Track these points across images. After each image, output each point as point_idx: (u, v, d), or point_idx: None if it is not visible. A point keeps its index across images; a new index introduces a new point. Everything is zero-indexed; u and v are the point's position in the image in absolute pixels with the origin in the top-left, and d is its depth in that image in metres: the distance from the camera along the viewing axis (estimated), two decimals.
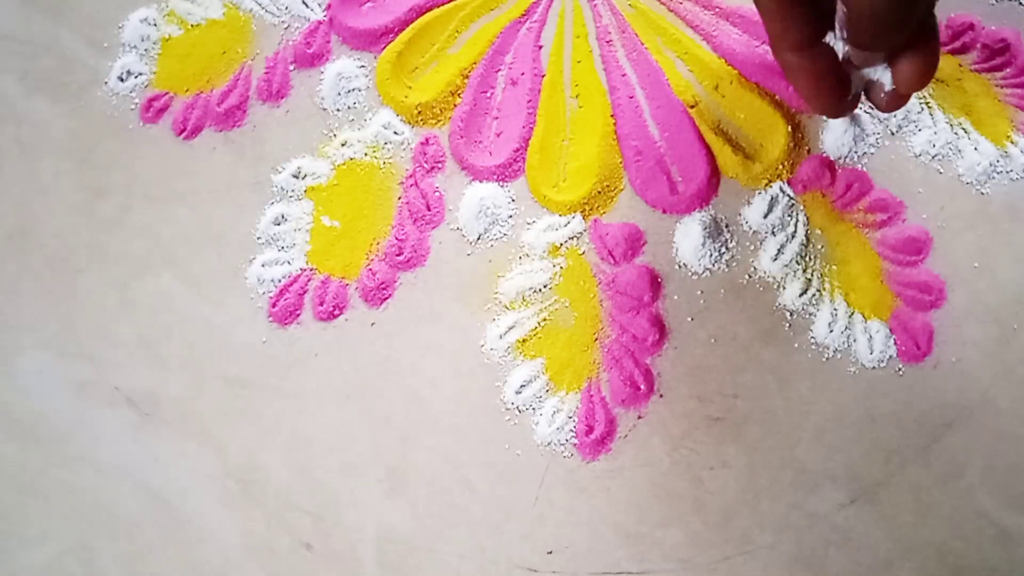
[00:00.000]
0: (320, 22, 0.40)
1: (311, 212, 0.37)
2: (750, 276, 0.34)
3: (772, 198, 0.34)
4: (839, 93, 0.28)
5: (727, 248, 0.34)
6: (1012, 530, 0.30)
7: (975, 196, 0.34)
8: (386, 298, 0.35)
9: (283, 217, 0.37)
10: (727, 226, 0.34)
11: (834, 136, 0.35)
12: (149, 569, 0.33)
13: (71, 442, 0.35)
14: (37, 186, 0.39)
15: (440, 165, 0.37)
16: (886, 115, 0.35)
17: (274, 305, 0.35)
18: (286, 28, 0.40)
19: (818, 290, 0.33)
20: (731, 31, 0.37)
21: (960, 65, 0.36)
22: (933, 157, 0.34)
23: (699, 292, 0.34)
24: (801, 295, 0.33)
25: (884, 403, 0.32)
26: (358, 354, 0.34)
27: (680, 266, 0.34)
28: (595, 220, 0.35)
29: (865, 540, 0.30)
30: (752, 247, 0.34)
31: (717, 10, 0.37)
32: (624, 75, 0.37)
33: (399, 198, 0.36)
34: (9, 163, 0.39)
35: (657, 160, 0.36)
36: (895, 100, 0.29)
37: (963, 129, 0.35)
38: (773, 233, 0.34)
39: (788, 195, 0.34)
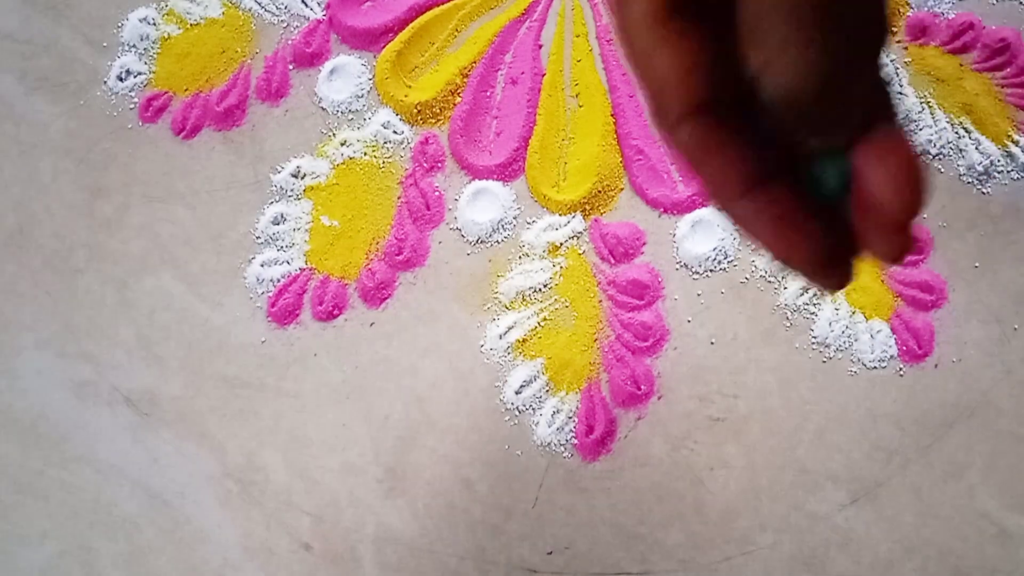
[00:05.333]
0: (319, 21, 0.40)
1: (310, 212, 0.36)
2: (750, 276, 0.34)
3: None
4: (813, 234, 0.20)
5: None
6: (1012, 530, 0.30)
7: (976, 196, 0.34)
8: (385, 298, 0.35)
9: (282, 217, 0.37)
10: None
11: None
12: (148, 569, 0.33)
13: (71, 442, 0.35)
14: (37, 186, 0.39)
15: (440, 164, 0.37)
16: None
17: (273, 305, 0.35)
18: (285, 27, 0.40)
19: (819, 290, 0.33)
20: None
21: (961, 64, 0.36)
22: (934, 156, 0.34)
23: (699, 292, 0.34)
24: (801, 295, 0.33)
25: (885, 403, 0.31)
26: (357, 354, 0.34)
27: (680, 266, 0.34)
28: (595, 220, 0.35)
29: (866, 540, 0.30)
30: (752, 247, 0.34)
31: None
32: (624, 74, 0.37)
33: (398, 198, 0.36)
34: (9, 163, 0.39)
35: (657, 160, 0.36)
36: (888, 236, 0.20)
37: (964, 128, 0.35)
38: None
39: None
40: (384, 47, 0.39)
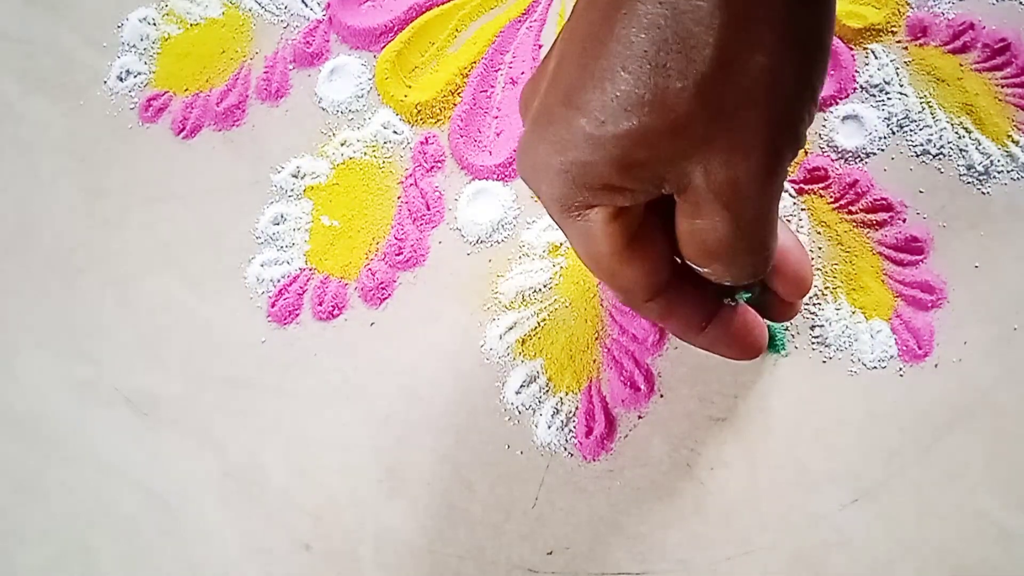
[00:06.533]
0: (319, 21, 0.40)
1: (310, 212, 0.36)
2: None
3: None
4: (761, 334, 0.28)
5: None
6: (1012, 530, 0.30)
7: (975, 196, 0.34)
8: (385, 298, 0.35)
9: (282, 217, 0.37)
10: None
11: (835, 136, 0.35)
12: (149, 569, 0.33)
13: (71, 442, 0.35)
14: (37, 186, 0.39)
15: (440, 164, 0.37)
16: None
17: (273, 305, 0.35)
18: (285, 27, 0.40)
19: (819, 290, 0.33)
20: None
21: (960, 65, 0.36)
22: (934, 156, 0.34)
23: None
24: None
25: (885, 403, 0.31)
26: (357, 354, 0.34)
27: None
28: None
29: (865, 540, 0.30)
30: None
31: None
32: None
33: (398, 198, 0.36)
34: (9, 163, 0.39)
35: None
36: (785, 309, 0.29)
37: (964, 128, 0.35)
38: None
39: (789, 195, 0.34)
40: (384, 47, 0.39)
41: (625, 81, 0.20)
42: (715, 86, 0.20)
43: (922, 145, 0.35)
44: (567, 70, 0.21)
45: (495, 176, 0.36)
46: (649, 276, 0.24)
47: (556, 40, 0.23)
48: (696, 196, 0.21)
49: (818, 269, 0.33)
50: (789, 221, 0.34)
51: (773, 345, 0.32)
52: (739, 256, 0.23)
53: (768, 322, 0.32)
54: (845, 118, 0.35)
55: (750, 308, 0.28)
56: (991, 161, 0.34)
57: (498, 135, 0.37)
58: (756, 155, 0.20)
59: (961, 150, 0.34)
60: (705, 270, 0.24)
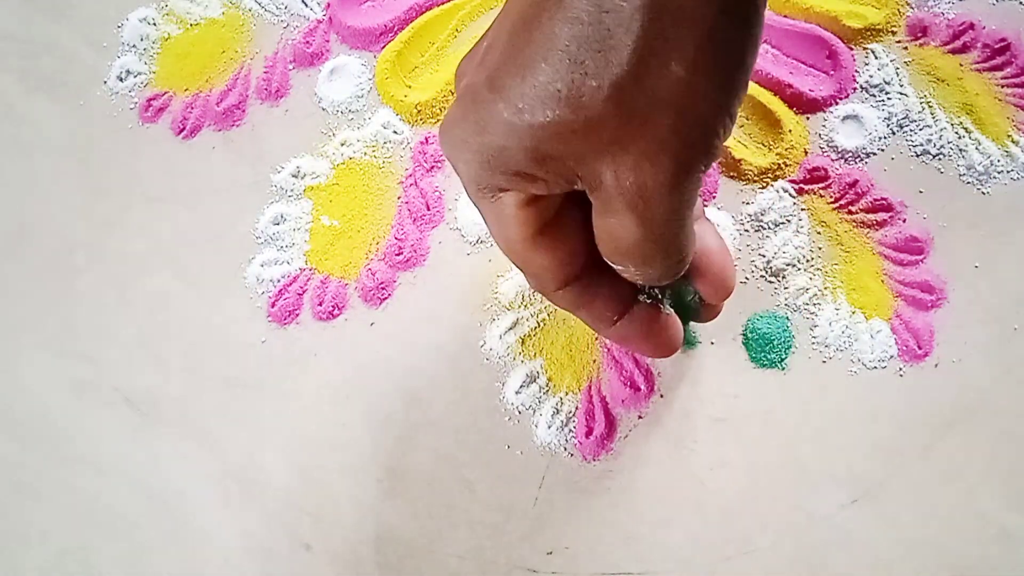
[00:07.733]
0: (319, 21, 0.40)
1: (310, 212, 0.36)
2: (750, 276, 0.34)
3: (772, 198, 0.34)
4: (674, 333, 0.28)
5: None
6: (1012, 530, 0.30)
7: (976, 196, 0.34)
8: (385, 298, 0.35)
9: (282, 217, 0.37)
10: None
11: (835, 136, 0.35)
12: (149, 569, 0.33)
13: (71, 442, 0.35)
14: (37, 186, 0.39)
15: (440, 164, 0.37)
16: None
17: (273, 305, 0.35)
18: (285, 27, 0.40)
19: (819, 290, 0.33)
20: None
21: (960, 65, 0.36)
22: (934, 156, 0.34)
23: None
24: (802, 295, 0.33)
25: (885, 403, 0.31)
26: (357, 354, 0.34)
27: None
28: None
29: (865, 540, 0.30)
30: (752, 247, 0.34)
31: None
32: None
33: (399, 198, 0.36)
34: (9, 163, 0.39)
35: None
36: (707, 311, 0.30)
37: (964, 128, 0.35)
38: (774, 232, 0.34)
39: (789, 194, 0.34)
40: (384, 47, 0.39)
41: (544, 73, 0.20)
42: (629, 90, 0.20)
43: (922, 145, 0.35)
44: (494, 54, 0.22)
45: None
46: (559, 266, 0.24)
47: (493, 21, 0.23)
48: (607, 196, 0.21)
49: (818, 269, 0.33)
50: (788, 222, 0.34)
51: (775, 354, 0.32)
52: (649, 258, 0.23)
53: (775, 332, 0.32)
54: (845, 118, 0.35)
55: (666, 305, 0.28)
56: (991, 161, 0.34)
57: None
58: (664, 163, 0.20)
59: (961, 150, 0.34)
60: (620, 268, 0.24)
